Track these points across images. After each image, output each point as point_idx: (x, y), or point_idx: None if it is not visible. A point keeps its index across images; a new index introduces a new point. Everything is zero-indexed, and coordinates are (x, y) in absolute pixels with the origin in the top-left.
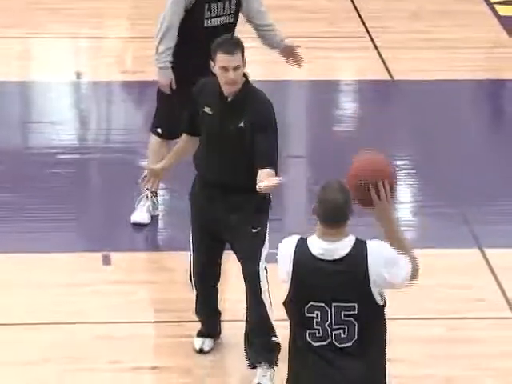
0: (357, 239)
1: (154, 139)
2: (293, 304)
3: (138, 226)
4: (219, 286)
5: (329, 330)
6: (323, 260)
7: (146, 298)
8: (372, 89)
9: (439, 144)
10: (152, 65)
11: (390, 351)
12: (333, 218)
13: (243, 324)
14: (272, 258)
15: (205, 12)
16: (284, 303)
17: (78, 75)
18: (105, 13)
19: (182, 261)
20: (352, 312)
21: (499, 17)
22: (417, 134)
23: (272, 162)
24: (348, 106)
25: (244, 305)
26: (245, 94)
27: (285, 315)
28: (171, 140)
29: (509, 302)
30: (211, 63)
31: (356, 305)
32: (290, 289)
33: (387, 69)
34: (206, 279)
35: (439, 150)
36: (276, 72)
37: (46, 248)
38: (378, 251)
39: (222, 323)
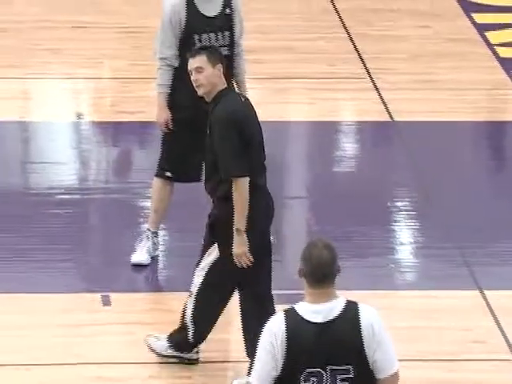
0: (347, 300)
1: (158, 181)
2: (287, 378)
3: (139, 266)
4: None
5: None
6: (316, 323)
7: (144, 339)
8: (372, 130)
9: (439, 185)
10: (152, 105)
11: None
12: (320, 275)
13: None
14: None
15: (195, 43)
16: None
17: (79, 116)
18: (105, 54)
19: (181, 301)
20: (348, 375)
21: (500, 59)
22: (417, 175)
23: (228, 173)
24: (348, 146)
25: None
26: (215, 100)
27: None
28: (180, 182)
29: (509, 344)
30: None
31: (351, 368)
32: (283, 367)
33: (387, 110)
34: None
35: (439, 191)
36: (276, 113)
37: (45, 288)
38: (370, 321)
39: None
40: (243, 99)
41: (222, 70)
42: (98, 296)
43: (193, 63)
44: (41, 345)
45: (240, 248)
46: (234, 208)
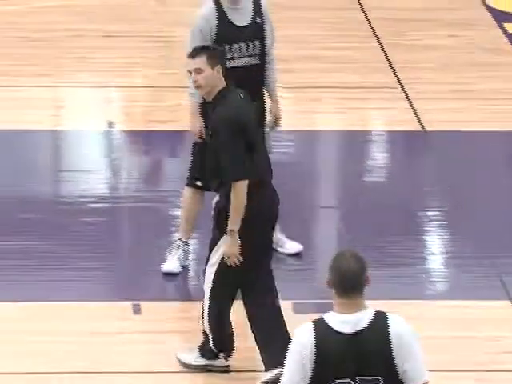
0: (376, 310)
1: (188, 190)
2: None
3: (169, 275)
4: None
5: None
6: (344, 333)
7: (174, 348)
8: (404, 140)
9: (471, 195)
10: (184, 114)
11: None
12: (348, 286)
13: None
14: None
15: (226, 53)
16: None
17: (110, 124)
18: (135, 62)
19: None
20: None
21: None
22: (448, 184)
23: (228, 176)
24: (379, 156)
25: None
26: (215, 101)
27: None
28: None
29: None
30: None
31: (380, 378)
32: (312, 377)
33: (419, 120)
34: None
35: (471, 201)
36: (306, 122)
37: (75, 296)
38: (399, 332)
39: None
40: (242, 96)
41: (221, 71)
42: (128, 304)
43: (192, 64)
44: (71, 353)
45: (231, 248)
46: None
